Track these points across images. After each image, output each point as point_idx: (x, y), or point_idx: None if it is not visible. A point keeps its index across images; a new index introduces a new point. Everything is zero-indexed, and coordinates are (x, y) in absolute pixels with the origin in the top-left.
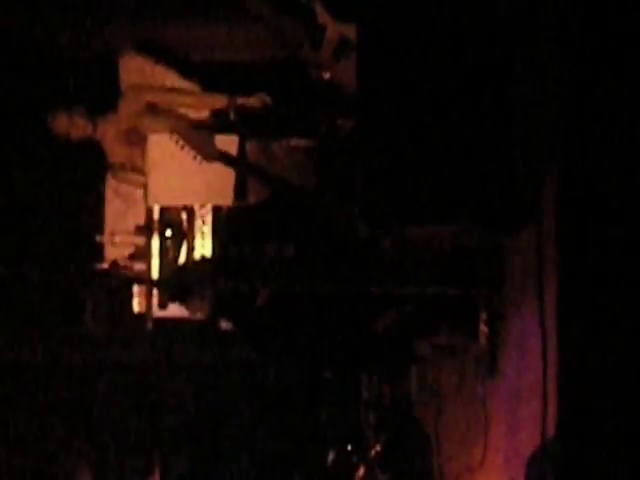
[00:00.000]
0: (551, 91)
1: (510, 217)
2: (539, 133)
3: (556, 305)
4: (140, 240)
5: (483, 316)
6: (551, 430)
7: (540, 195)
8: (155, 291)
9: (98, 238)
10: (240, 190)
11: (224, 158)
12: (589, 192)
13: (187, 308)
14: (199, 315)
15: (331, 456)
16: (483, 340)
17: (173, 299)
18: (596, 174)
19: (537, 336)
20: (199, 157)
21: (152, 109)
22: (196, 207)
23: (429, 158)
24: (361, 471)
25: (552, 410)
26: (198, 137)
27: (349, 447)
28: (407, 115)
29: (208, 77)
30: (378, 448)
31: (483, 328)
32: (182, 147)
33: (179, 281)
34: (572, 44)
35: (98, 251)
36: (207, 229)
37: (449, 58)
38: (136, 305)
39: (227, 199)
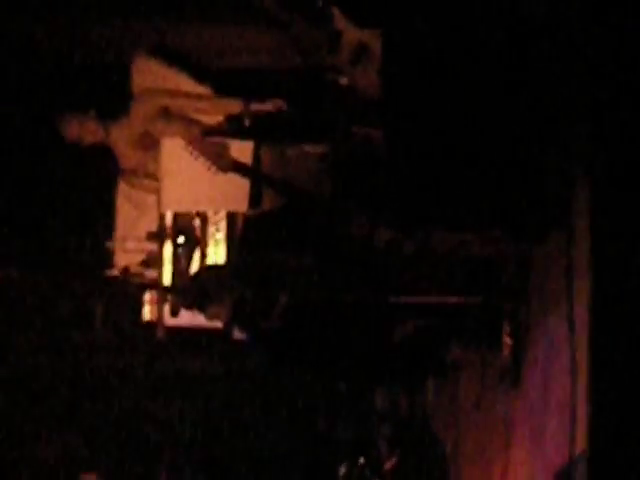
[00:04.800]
0: (582, 96)
1: (538, 225)
2: (570, 138)
3: (587, 317)
4: (152, 247)
5: (507, 327)
6: (580, 447)
7: (571, 202)
8: (167, 299)
9: (109, 244)
10: (255, 197)
11: (238, 168)
12: (622, 199)
13: (204, 315)
14: (215, 323)
15: (343, 469)
16: (506, 352)
17: (189, 306)
18: (629, 180)
19: (566, 349)
20: (213, 167)
21: (165, 113)
22: (210, 214)
23: (455, 164)
24: None
25: (581, 427)
26: (212, 147)
27: (362, 460)
28: (433, 120)
29: (222, 82)
30: (392, 462)
31: (507, 340)
32: (196, 157)
33: (195, 288)
34: (601, 49)
35: (109, 258)
36: (221, 236)
37: (476, 62)
38: (147, 313)
39: (241, 206)
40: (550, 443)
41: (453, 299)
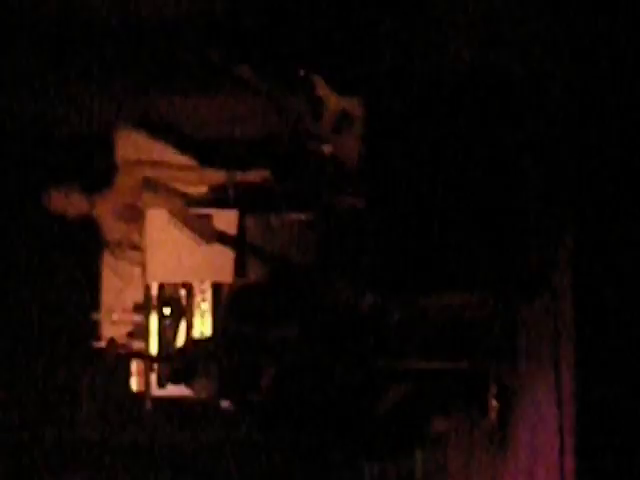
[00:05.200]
0: (564, 158)
1: (523, 287)
2: (553, 202)
3: (573, 378)
4: (138, 318)
5: (494, 390)
6: None
7: (554, 264)
8: (154, 370)
9: (95, 316)
10: (240, 267)
11: (223, 238)
12: (604, 260)
13: (191, 389)
14: (203, 395)
15: None
16: (493, 415)
17: (176, 380)
18: (611, 243)
19: (553, 411)
20: (197, 238)
21: (149, 184)
22: (195, 284)
23: (439, 228)
24: None
25: None
26: (196, 218)
27: None
28: (417, 186)
29: (205, 152)
30: None
31: (493, 402)
32: (180, 228)
33: (182, 362)
34: (580, 110)
35: (95, 329)
36: (207, 306)
37: (457, 130)
38: (134, 384)
39: (227, 276)
40: None
41: (439, 364)
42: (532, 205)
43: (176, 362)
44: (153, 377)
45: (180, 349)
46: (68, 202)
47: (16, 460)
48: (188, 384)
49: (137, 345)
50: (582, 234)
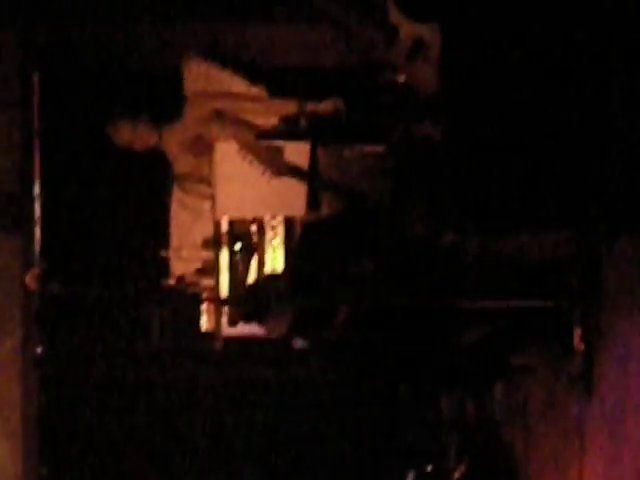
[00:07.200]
0: None
1: (609, 225)
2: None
3: None
4: (208, 254)
5: (578, 331)
6: None
7: None
8: (225, 308)
9: (164, 253)
10: (312, 200)
11: (294, 171)
12: None
13: (264, 327)
14: (275, 334)
15: (410, 478)
16: (578, 357)
17: (248, 318)
18: None
19: None
20: (268, 171)
21: (218, 116)
22: (266, 219)
23: (520, 161)
24: None
25: None
26: (266, 150)
27: (429, 468)
28: (495, 116)
29: (276, 82)
30: (461, 470)
31: (578, 344)
32: (250, 161)
33: (254, 300)
34: None
35: (164, 266)
36: (278, 242)
37: (537, 54)
38: (204, 323)
39: (299, 210)
40: (627, 454)
41: (522, 303)
42: (619, 140)
43: (248, 300)
44: (224, 315)
45: (251, 286)
46: (135, 134)
47: (88, 395)
48: (260, 322)
49: (207, 282)
50: None
